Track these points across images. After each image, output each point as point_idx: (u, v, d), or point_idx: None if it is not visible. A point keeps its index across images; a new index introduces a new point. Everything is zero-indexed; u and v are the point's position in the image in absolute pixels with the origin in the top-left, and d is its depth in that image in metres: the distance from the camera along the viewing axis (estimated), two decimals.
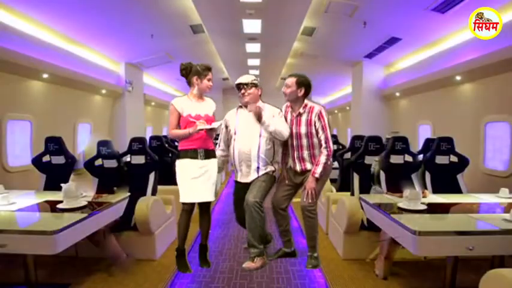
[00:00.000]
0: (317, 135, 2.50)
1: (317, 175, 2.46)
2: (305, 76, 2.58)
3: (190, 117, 2.40)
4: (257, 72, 9.43)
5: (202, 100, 2.52)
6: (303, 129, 2.52)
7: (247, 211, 2.47)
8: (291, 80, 2.54)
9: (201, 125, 2.34)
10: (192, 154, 2.41)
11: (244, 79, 2.60)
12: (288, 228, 2.71)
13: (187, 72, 2.47)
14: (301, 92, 2.53)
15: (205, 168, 2.42)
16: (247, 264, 2.53)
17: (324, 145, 2.47)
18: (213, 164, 2.48)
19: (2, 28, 3.43)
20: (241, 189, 2.60)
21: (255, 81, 2.60)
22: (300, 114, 2.55)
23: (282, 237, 2.75)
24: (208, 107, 2.52)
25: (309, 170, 2.53)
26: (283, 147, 2.69)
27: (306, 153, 2.55)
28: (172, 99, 2.49)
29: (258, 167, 2.55)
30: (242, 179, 2.61)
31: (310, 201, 2.48)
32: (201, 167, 2.41)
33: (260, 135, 2.54)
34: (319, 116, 2.49)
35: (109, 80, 5.80)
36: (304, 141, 2.53)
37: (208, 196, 2.44)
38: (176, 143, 4.26)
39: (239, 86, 2.60)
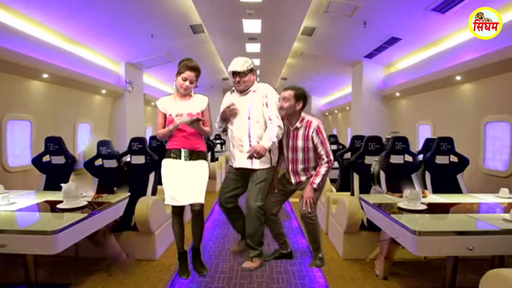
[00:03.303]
0: (316, 150, 2.47)
1: (315, 185, 2.45)
2: (302, 88, 2.50)
3: (171, 117, 2.32)
4: (257, 72, 9.43)
5: (187, 98, 2.38)
6: (300, 143, 2.48)
7: (248, 214, 2.47)
8: (289, 93, 2.43)
9: (179, 119, 2.24)
10: (175, 154, 2.34)
11: (238, 66, 2.42)
12: (281, 231, 2.70)
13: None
14: (299, 106, 2.46)
15: (188, 169, 2.31)
16: (247, 264, 2.55)
17: (325, 159, 2.45)
18: (200, 165, 2.35)
19: (2, 28, 3.43)
20: (233, 174, 2.58)
21: (250, 67, 2.45)
22: (297, 129, 2.49)
23: (277, 240, 2.74)
24: (196, 104, 2.37)
25: (303, 182, 2.53)
26: (278, 155, 2.61)
27: (300, 167, 2.52)
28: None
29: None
30: (236, 163, 2.53)
31: (309, 210, 2.48)
32: (183, 167, 2.31)
33: (249, 119, 2.43)
34: (318, 131, 2.45)
35: (109, 80, 5.79)
36: (300, 155, 2.50)
37: (193, 198, 2.28)
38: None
39: (234, 73, 2.45)
